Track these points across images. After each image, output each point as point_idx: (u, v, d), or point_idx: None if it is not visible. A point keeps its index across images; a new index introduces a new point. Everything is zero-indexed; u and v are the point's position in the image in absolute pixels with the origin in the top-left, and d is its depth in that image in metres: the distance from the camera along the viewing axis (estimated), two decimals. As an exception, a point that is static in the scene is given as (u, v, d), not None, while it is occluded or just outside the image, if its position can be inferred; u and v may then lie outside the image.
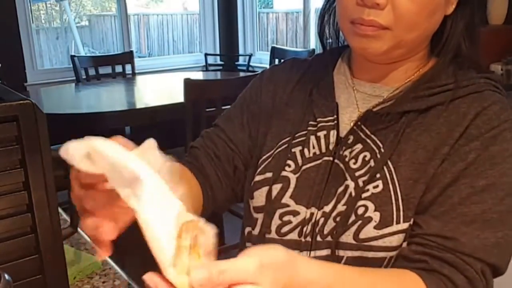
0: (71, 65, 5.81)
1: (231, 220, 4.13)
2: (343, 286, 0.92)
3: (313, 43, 6.34)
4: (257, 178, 1.27)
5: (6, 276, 0.93)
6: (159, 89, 5.48)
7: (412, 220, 1.09)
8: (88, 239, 1.65)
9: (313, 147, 1.22)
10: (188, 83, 3.75)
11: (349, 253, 1.12)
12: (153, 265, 0.74)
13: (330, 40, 1.37)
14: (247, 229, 1.30)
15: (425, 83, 1.16)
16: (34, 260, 1.12)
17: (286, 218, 1.20)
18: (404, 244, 1.09)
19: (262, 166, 1.27)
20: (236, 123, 1.38)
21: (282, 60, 5.81)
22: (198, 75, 6.26)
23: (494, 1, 3.85)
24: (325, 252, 1.16)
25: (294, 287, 0.81)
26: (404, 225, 1.08)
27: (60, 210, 1.30)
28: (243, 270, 0.73)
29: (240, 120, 1.38)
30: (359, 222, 1.11)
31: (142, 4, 10.45)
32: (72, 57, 5.84)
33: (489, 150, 1.07)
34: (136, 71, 6.22)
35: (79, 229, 1.42)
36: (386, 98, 1.19)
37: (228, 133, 1.37)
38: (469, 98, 1.12)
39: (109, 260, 1.54)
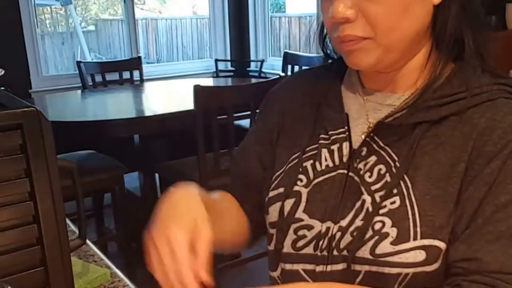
0: (77, 71, 5.80)
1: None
2: None
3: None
4: (271, 194, 1.28)
5: (11, 289, 0.93)
6: (168, 96, 5.48)
7: (437, 240, 1.07)
8: (97, 251, 1.63)
9: (325, 160, 1.22)
10: (198, 90, 3.72)
11: (366, 268, 1.12)
12: None
13: (330, 51, 1.35)
14: (267, 245, 1.31)
15: (435, 90, 1.13)
16: (40, 272, 1.11)
17: (300, 233, 1.20)
18: (426, 267, 1.08)
19: (275, 182, 1.28)
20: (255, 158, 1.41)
21: (295, 66, 5.84)
22: (209, 82, 6.26)
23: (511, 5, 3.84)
24: (341, 266, 1.15)
25: None
26: (423, 242, 1.07)
27: (68, 221, 1.29)
28: None
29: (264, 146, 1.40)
30: (376, 237, 1.10)
31: (150, 8, 10.49)
32: (78, 63, 5.82)
33: (508, 164, 1.04)
34: (144, 78, 6.21)
35: (87, 241, 1.41)
36: (397, 107, 1.17)
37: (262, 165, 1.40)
38: (482, 108, 1.09)
39: (118, 272, 1.53)
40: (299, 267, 1.20)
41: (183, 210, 1.06)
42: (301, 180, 1.22)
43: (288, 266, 1.23)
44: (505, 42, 3.65)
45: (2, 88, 1.23)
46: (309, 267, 1.17)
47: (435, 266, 1.07)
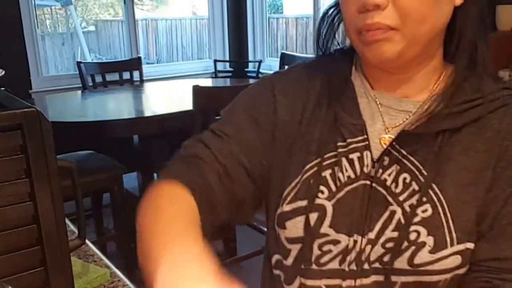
0: (77, 72, 5.82)
1: (243, 230, 4.12)
2: None
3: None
4: (287, 207, 1.19)
5: (11, 289, 0.93)
6: (167, 96, 5.49)
7: (468, 243, 1.09)
8: (97, 251, 1.63)
9: (346, 170, 1.17)
10: (197, 90, 3.72)
11: (403, 279, 1.11)
12: None
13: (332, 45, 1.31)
14: (276, 257, 1.26)
15: (451, 97, 1.12)
16: (39, 272, 1.11)
17: (325, 248, 1.16)
18: (460, 270, 1.10)
19: (292, 194, 1.19)
20: (248, 136, 1.25)
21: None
22: (207, 82, 6.27)
23: (502, 7, 3.86)
24: (372, 279, 1.14)
25: None
26: (459, 247, 1.08)
27: (67, 221, 1.28)
28: None
29: (251, 133, 1.25)
30: (413, 247, 1.09)
31: (150, 9, 10.48)
32: (78, 63, 5.85)
33: None
34: (144, 78, 6.21)
35: (87, 241, 1.41)
36: (418, 115, 1.15)
37: (242, 149, 1.23)
38: (499, 113, 1.11)
39: (118, 272, 1.53)
40: (321, 282, 1.17)
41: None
42: (323, 192, 1.16)
43: (309, 282, 1.18)
44: (496, 43, 3.67)
45: (3, 88, 1.23)
46: (334, 282, 1.15)
47: (467, 267, 1.10)
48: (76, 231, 1.34)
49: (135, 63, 6.19)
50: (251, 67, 7.37)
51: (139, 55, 6.58)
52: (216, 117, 3.72)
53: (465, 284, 1.10)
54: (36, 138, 1.03)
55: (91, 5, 9.72)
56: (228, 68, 7.53)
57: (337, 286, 1.15)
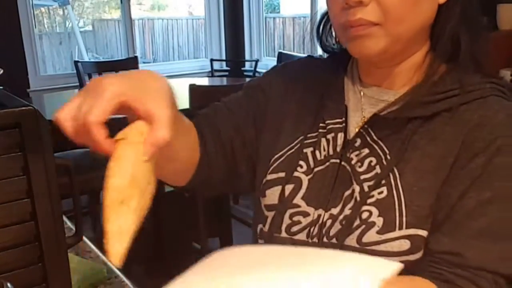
0: (75, 71, 5.81)
1: (239, 228, 4.13)
2: None
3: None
4: (269, 177, 1.27)
5: (9, 285, 0.93)
6: (164, 95, 5.42)
7: (420, 229, 1.09)
8: (94, 248, 1.64)
9: (324, 149, 1.23)
10: (193, 89, 3.73)
11: None
12: (159, 274, 0.74)
13: (329, 44, 1.36)
14: (259, 226, 1.30)
15: (429, 87, 1.15)
16: (37, 269, 1.12)
17: (296, 218, 1.21)
18: (410, 256, 1.10)
19: (275, 164, 1.27)
20: (243, 109, 1.37)
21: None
22: (204, 81, 6.24)
23: (503, 6, 3.85)
24: None
25: None
26: (408, 231, 1.09)
27: (64, 218, 1.29)
28: None
29: (246, 107, 1.37)
30: (363, 226, 1.11)
31: (146, 9, 10.47)
32: (76, 62, 5.84)
33: (494, 163, 1.06)
34: (141, 77, 6.18)
35: (84, 238, 1.41)
36: (393, 102, 1.18)
37: (236, 118, 1.36)
38: (474, 105, 1.11)
39: (115, 269, 1.53)
40: None
41: (149, 83, 0.89)
42: (301, 167, 1.23)
43: None
44: (496, 43, 3.66)
45: (1, 87, 1.24)
46: None
47: (418, 255, 1.09)
48: (74, 228, 1.34)
49: (131, 62, 6.17)
50: (247, 66, 7.34)
51: (135, 54, 6.57)
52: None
53: (418, 269, 1.10)
54: (34, 136, 1.04)
55: (88, 4, 9.71)
56: (225, 67, 7.51)
57: None
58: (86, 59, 8.06)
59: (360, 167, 1.17)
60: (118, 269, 1.54)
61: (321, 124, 1.26)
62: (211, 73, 7.33)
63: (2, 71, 1.22)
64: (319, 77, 1.34)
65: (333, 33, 1.33)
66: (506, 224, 1.05)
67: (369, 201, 1.12)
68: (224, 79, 6.89)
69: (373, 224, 1.10)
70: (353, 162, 1.18)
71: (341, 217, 1.15)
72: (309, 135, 1.26)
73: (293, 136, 1.28)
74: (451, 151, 1.09)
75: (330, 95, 1.29)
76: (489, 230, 1.04)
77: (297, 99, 1.33)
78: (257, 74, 6.75)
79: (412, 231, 1.09)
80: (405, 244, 1.09)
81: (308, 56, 1.44)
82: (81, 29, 9.38)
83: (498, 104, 1.11)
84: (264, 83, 1.39)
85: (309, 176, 1.22)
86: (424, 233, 1.09)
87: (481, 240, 1.04)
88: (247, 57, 7.53)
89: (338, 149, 1.21)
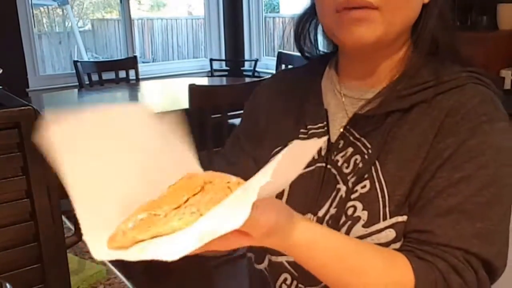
0: (74, 71, 5.81)
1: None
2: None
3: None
4: None
5: (8, 286, 0.93)
6: (163, 95, 5.49)
7: (399, 216, 1.10)
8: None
9: None
10: (193, 89, 3.73)
11: None
12: (157, 275, 0.74)
13: (307, 49, 1.38)
14: None
15: (406, 81, 1.16)
16: (36, 269, 1.11)
17: None
18: (397, 244, 1.11)
19: None
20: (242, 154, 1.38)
21: (289, 66, 5.85)
22: (203, 81, 6.25)
23: (503, 6, 3.85)
24: None
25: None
26: (390, 221, 1.10)
27: (64, 218, 1.29)
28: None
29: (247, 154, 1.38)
30: (349, 222, 1.12)
31: (146, 9, 10.47)
32: (75, 62, 5.84)
33: (466, 144, 1.07)
34: (140, 77, 6.21)
35: (83, 238, 1.41)
36: (371, 98, 1.19)
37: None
38: (451, 93, 1.13)
39: (114, 269, 1.53)
40: (283, 259, 1.21)
41: None
42: None
43: (273, 258, 1.24)
44: (496, 42, 3.67)
45: (0, 87, 1.24)
46: (292, 258, 1.14)
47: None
48: (73, 228, 1.34)
49: (131, 62, 6.19)
50: (247, 66, 7.36)
51: (135, 54, 6.58)
52: (212, 116, 3.74)
53: None
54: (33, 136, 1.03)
55: (87, 4, 9.72)
56: (224, 67, 7.52)
57: (294, 262, 1.14)
58: (86, 59, 8.07)
59: (347, 167, 1.17)
60: (117, 269, 1.54)
61: (302, 130, 1.27)
62: (211, 73, 7.35)
63: (1, 71, 1.22)
64: (296, 86, 1.36)
65: (312, 39, 1.35)
66: (478, 205, 1.05)
67: (353, 196, 1.13)
68: (224, 79, 6.90)
69: (358, 218, 1.11)
70: (339, 164, 1.19)
71: (327, 217, 1.17)
72: (289, 142, 1.24)
73: (273, 145, 1.29)
74: (427, 139, 1.10)
75: (308, 100, 1.30)
76: (460, 209, 1.05)
77: (278, 109, 1.35)
78: (256, 74, 6.77)
79: (394, 219, 1.10)
80: (391, 234, 1.10)
81: (282, 70, 1.48)
82: (81, 29, 9.39)
83: (474, 90, 1.12)
84: (251, 117, 1.41)
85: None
86: (403, 218, 1.10)
87: (450, 218, 1.05)
88: (246, 57, 7.54)
89: (323, 153, 1.22)
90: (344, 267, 0.99)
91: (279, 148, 1.26)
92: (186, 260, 0.74)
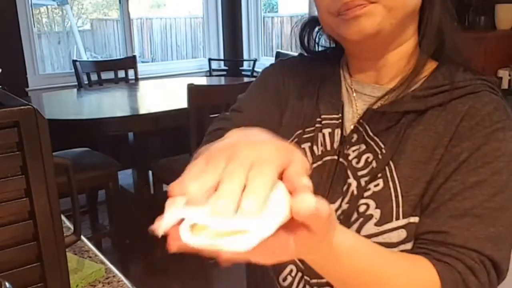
0: (73, 70, 5.80)
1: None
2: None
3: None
4: None
5: (7, 284, 0.93)
6: (162, 94, 5.48)
7: (411, 217, 1.10)
8: (92, 247, 1.64)
9: (321, 145, 1.24)
10: (191, 88, 3.73)
11: None
12: (157, 274, 0.74)
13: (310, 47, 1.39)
14: None
15: (421, 82, 1.17)
16: (36, 268, 1.12)
17: None
18: (407, 245, 1.10)
19: None
20: (261, 110, 1.35)
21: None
22: (202, 81, 6.25)
23: (501, 6, 3.85)
24: None
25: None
26: (403, 221, 1.10)
27: (63, 217, 1.29)
28: None
29: (263, 107, 1.36)
30: (361, 219, 1.12)
31: (145, 8, 10.47)
32: (74, 62, 5.83)
33: (481, 150, 1.07)
34: (139, 76, 6.21)
35: (82, 237, 1.41)
36: (383, 95, 1.19)
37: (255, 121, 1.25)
38: (466, 99, 1.13)
39: (113, 268, 1.53)
40: None
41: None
42: None
43: None
44: (494, 42, 3.67)
45: (0, 86, 1.24)
46: None
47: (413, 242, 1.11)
48: (72, 227, 1.34)
49: (130, 62, 6.19)
50: (245, 65, 7.34)
51: (134, 54, 6.56)
52: (211, 115, 3.74)
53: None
54: (33, 135, 1.04)
55: (86, 4, 9.71)
56: (223, 67, 7.50)
57: None
58: (85, 58, 8.07)
59: (357, 163, 1.18)
60: (116, 268, 1.54)
61: (317, 119, 1.26)
62: (209, 73, 7.34)
63: (1, 70, 1.23)
64: (316, 73, 1.35)
65: (316, 39, 1.36)
66: (491, 210, 1.05)
67: (366, 194, 1.13)
68: (222, 78, 6.87)
69: (370, 216, 1.11)
70: (350, 157, 1.19)
71: (339, 212, 1.16)
72: (307, 130, 1.26)
73: (293, 130, 1.29)
74: (442, 142, 1.11)
75: (326, 89, 1.30)
76: (474, 212, 1.05)
77: (297, 93, 1.34)
78: (255, 74, 6.76)
79: (406, 220, 1.10)
80: (402, 234, 1.10)
81: (299, 54, 1.44)
82: (80, 29, 9.38)
83: (488, 97, 1.13)
84: (276, 82, 1.38)
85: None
86: (415, 219, 1.10)
87: (464, 220, 1.05)
88: (245, 56, 7.53)
89: (335, 145, 1.22)
90: (374, 272, 0.96)
91: (299, 132, 1.26)
92: (188, 259, 0.73)
